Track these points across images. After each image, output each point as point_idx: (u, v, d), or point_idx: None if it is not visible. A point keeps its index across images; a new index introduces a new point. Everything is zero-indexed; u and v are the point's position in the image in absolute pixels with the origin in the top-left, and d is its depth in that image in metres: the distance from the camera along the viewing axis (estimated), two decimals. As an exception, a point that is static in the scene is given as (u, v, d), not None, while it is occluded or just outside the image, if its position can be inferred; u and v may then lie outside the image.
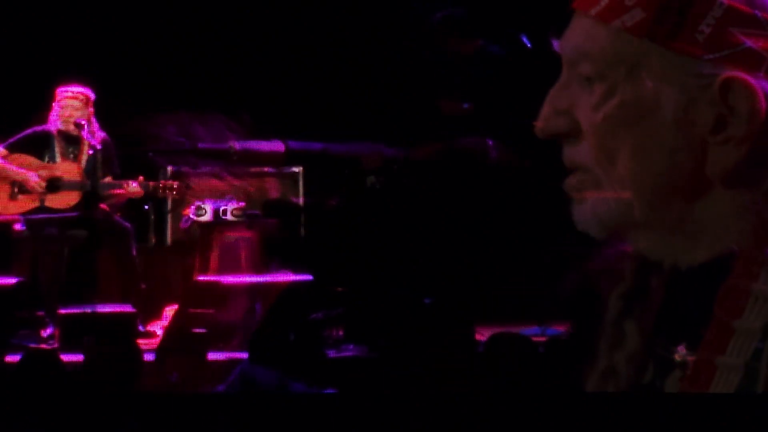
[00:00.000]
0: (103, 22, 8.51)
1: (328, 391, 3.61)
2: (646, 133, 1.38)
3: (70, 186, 7.31)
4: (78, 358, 5.47)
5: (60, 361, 5.06)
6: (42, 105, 7.46)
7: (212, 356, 5.92)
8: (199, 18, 8.73)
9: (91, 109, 7.36)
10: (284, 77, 8.61)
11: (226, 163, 7.17)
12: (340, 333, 6.91)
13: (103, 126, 7.44)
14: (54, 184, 7.30)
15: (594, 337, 1.49)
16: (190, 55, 8.60)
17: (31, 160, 7.33)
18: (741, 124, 1.36)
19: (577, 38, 1.42)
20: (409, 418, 1.41)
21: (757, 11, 1.38)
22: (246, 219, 7.28)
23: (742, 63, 1.37)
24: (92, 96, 7.38)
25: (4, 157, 7.32)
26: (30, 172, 7.27)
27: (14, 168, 7.29)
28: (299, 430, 1.43)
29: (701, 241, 1.40)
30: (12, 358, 5.54)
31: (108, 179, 7.32)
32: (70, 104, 7.32)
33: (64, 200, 7.30)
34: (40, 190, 7.25)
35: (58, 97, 7.36)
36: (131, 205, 7.59)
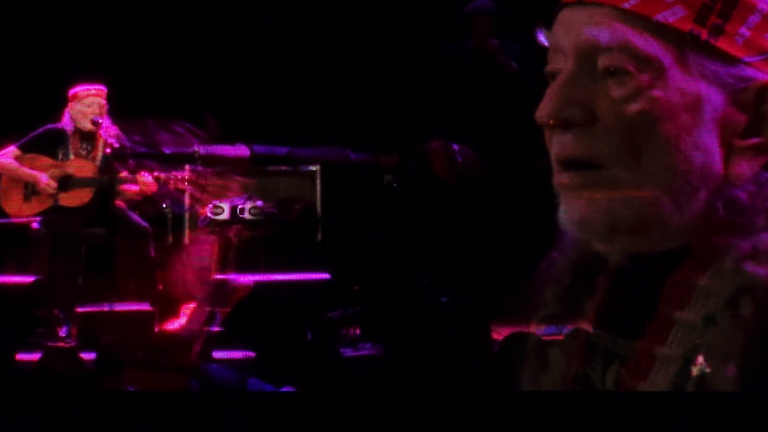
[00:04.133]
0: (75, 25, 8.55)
1: (286, 388, 3.58)
2: (681, 130, 1.36)
3: (83, 183, 7.32)
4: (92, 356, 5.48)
5: (80, 359, 5.07)
6: (53, 104, 7.47)
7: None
8: (164, 22, 8.76)
9: (106, 104, 7.38)
10: (253, 81, 8.63)
11: (190, 167, 7.15)
12: (357, 332, 6.91)
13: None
14: (65, 183, 7.31)
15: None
16: (154, 60, 8.63)
17: (43, 159, 7.35)
18: None
19: (600, 28, 1.38)
20: (425, 417, 1.41)
21: None
22: (264, 217, 7.28)
23: None
24: (107, 91, 7.40)
25: (16, 158, 7.34)
26: (40, 172, 7.29)
27: (25, 170, 7.31)
28: (312, 429, 1.42)
29: (668, 237, 1.39)
30: (30, 357, 5.56)
31: (122, 174, 7.33)
32: (96, 102, 7.34)
33: (77, 198, 7.31)
34: (51, 190, 7.27)
35: (80, 96, 7.37)
36: (149, 203, 7.59)
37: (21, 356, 5.75)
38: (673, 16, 1.37)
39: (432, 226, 7.56)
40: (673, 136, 1.36)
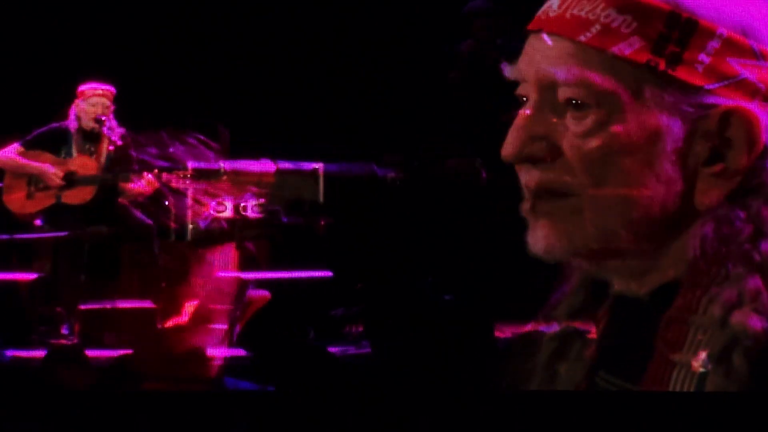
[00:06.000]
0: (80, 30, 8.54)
1: (269, 388, 3.57)
2: (643, 162, 1.36)
3: (87, 181, 7.33)
4: (100, 353, 5.48)
5: (86, 356, 5.06)
6: (58, 103, 7.47)
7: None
8: (172, 30, 8.75)
9: (113, 106, 7.39)
10: (264, 91, 8.63)
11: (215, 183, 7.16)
12: (359, 329, 6.91)
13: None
14: (70, 179, 7.31)
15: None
16: (162, 63, 8.63)
17: (47, 156, 7.35)
18: (738, 156, 1.36)
19: (557, 63, 1.38)
20: (427, 416, 1.40)
21: (752, 42, 1.37)
22: (267, 215, 7.27)
23: (739, 93, 1.36)
24: (114, 92, 7.41)
25: (20, 155, 7.34)
26: (45, 164, 7.29)
27: (30, 163, 7.31)
28: (313, 428, 1.42)
29: (656, 269, 1.39)
30: (30, 354, 5.55)
31: (125, 173, 7.34)
32: (100, 102, 7.35)
33: (80, 195, 7.32)
34: (58, 181, 7.27)
35: (86, 95, 7.38)
36: (152, 201, 7.60)
37: (25, 353, 5.75)
38: (629, 48, 1.35)
39: (435, 224, 7.56)
40: (633, 169, 1.36)
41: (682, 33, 1.35)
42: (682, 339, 1.35)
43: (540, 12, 1.43)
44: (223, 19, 8.89)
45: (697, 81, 1.36)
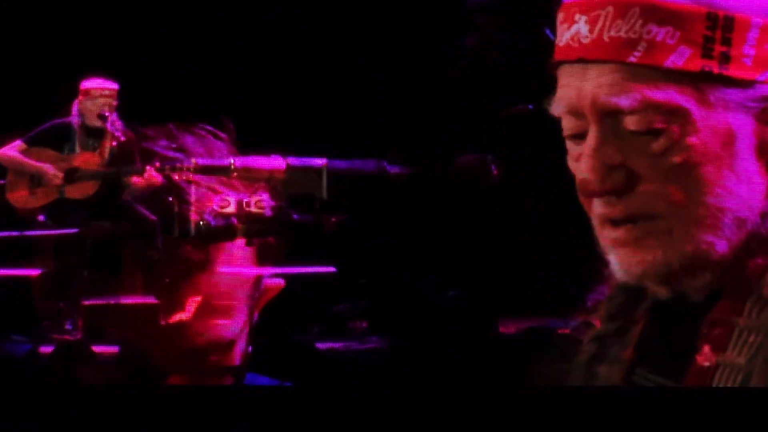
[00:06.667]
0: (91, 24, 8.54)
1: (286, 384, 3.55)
2: (723, 166, 1.35)
3: (89, 176, 7.33)
4: (103, 349, 5.47)
5: (92, 352, 5.06)
6: (59, 99, 7.47)
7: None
8: (179, 23, 8.75)
9: (116, 102, 7.39)
10: (270, 83, 8.62)
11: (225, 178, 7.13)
12: (364, 325, 6.91)
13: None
14: (72, 175, 7.31)
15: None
16: (169, 60, 8.62)
17: (49, 153, 7.36)
18: None
19: (614, 90, 1.35)
20: (430, 412, 1.40)
21: None
22: (270, 211, 7.27)
23: None
24: (117, 88, 7.41)
25: (22, 152, 7.35)
26: (46, 164, 7.30)
27: (31, 162, 7.32)
28: (321, 423, 1.41)
29: (710, 272, 1.38)
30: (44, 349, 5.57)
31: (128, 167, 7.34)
32: (107, 103, 7.35)
33: (82, 190, 7.32)
34: (57, 181, 7.27)
35: (90, 94, 7.38)
36: (155, 197, 7.58)
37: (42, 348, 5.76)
38: (680, 59, 1.34)
39: (444, 221, 7.56)
40: (715, 177, 1.35)
41: (723, 31, 1.34)
42: (726, 340, 1.34)
43: (564, 41, 1.39)
44: (224, 18, 8.88)
45: (749, 75, 1.35)
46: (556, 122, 1.45)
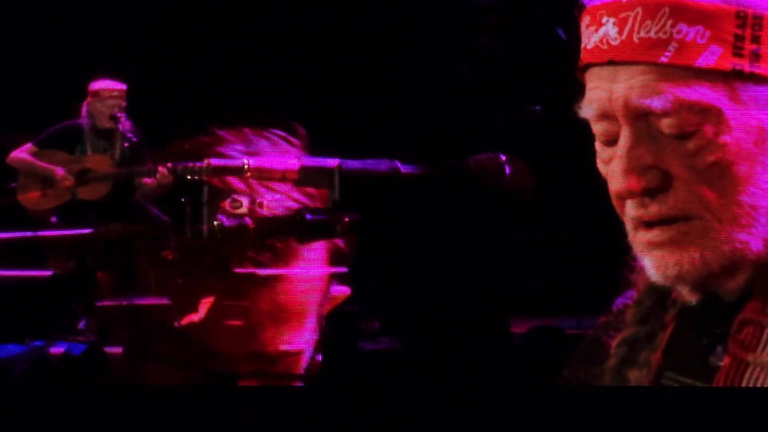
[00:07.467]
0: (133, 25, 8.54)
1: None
2: (756, 165, 1.35)
3: (101, 177, 7.34)
4: (116, 350, 5.48)
5: (105, 353, 5.07)
6: (70, 100, 7.48)
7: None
8: (179, 23, 8.75)
9: (125, 103, 7.40)
10: (281, 83, 8.62)
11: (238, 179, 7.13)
12: (376, 325, 6.90)
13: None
14: (83, 177, 7.32)
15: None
16: (167, 59, 8.62)
17: (60, 155, 7.37)
18: None
19: (646, 91, 1.35)
20: (443, 411, 1.40)
21: None
22: (289, 212, 7.26)
23: None
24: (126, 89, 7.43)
25: (33, 155, 7.36)
26: (57, 167, 7.31)
27: (41, 164, 7.33)
28: (332, 422, 1.41)
29: (746, 271, 1.38)
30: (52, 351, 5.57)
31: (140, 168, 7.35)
32: (117, 104, 7.36)
33: (95, 191, 7.33)
34: (68, 183, 7.28)
35: (101, 95, 7.39)
36: (168, 197, 7.59)
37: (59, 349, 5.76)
38: (712, 57, 1.34)
39: (451, 221, 7.56)
40: (749, 175, 1.35)
41: (753, 29, 1.34)
42: (756, 340, 1.33)
43: (592, 43, 1.39)
44: (231, 18, 8.88)
45: None
46: (565, 123, 1.45)
